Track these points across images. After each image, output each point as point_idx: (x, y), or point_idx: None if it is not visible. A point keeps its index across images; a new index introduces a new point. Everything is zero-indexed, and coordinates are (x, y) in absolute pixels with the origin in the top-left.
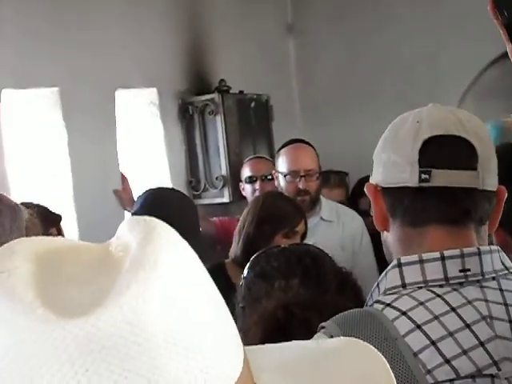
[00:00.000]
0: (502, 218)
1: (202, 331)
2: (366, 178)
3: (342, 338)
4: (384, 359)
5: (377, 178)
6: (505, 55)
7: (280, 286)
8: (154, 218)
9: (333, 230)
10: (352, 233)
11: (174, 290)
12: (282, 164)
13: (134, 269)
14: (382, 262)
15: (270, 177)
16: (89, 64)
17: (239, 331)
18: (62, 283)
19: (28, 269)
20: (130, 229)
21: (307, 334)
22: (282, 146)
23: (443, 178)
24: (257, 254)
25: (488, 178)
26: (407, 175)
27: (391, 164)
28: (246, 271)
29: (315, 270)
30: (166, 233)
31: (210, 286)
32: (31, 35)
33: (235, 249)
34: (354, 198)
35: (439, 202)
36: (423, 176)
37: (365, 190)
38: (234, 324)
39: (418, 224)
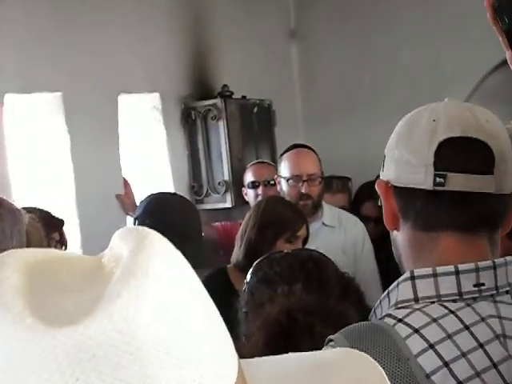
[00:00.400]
0: None
1: (195, 341)
2: (369, 184)
3: (338, 348)
4: (380, 368)
5: (389, 174)
6: (506, 61)
7: (283, 292)
8: (146, 228)
9: (335, 235)
10: (354, 238)
11: (166, 299)
12: (285, 169)
13: (125, 277)
14: (382, 266)
15: (272, 182)
16: (92, 68)
17: (242, 336)
18: (53, 293)
19: (18, 279)
20: (122, 238)
21: (310, 339)
22: (285, 151)
23: (459, 182)
24: (259, 259)
25: (504, 181)
26: (421, 177)
27: (404, 162)
28: (248, 276)
29: (318, 276)
30: (158, 241)
31: (204, 294)
32: (34, 40)
33: (237, 254)
34: (357, 204)
35: (453, 207)
36: (438, 180)
37: (376, 186)
38: (228, 334)
39: (430, 229)
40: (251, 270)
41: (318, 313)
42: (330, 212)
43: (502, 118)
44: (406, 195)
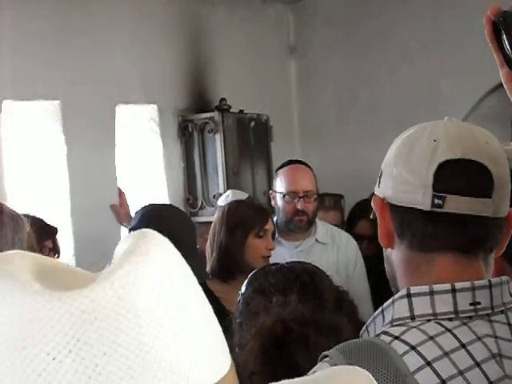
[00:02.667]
0: None
1: (188, 322)
2: (363, 202)
3: (338, 367)
4: (375, 381)
5: (386, 192)
6: (502, 84)
7: (278, 302)
8: (147, 229)
9: (327, 252)
10: (346, 256)
11: (164, 278)
12: (281, 184)
13: (126, 255)
14: (373, 285)
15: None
16: (90, 78)
17: (236, 346)
18: (59, 278)
19: (25, 263)
20: (122, 241)
21: (305, 349)
22: (281, 166)
23: (457, 204)
24: (254, 271)
25: (501, 205)
26: (419, 197)
27: (403, 181)
28: (243, 288)
29: (313, 288)
30: (159, 237)
31: (198, 288)
32: (33, 47)
33: (210, 262)
34: (351, 221)
35: (450, 229)
36: (436, 201)
37: (372, 202)
38: (221, 329)
39: (427, 249)
40: (246, 281)
41: (313, 323)
42: (324, 229)
43: (498, 140)
44: (402, 214)
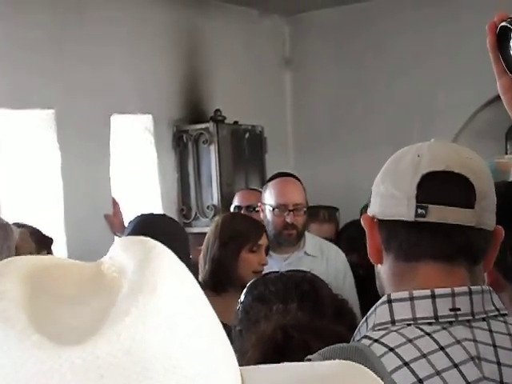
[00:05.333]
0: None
1: (201, 358)
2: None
3: (336, 360)
4: (380, 380)
5: (374, 209)
6: (498, 97)
7: (278, 310)
8: (149, 239)
9: (316, 264)
10: (335, 269)
11: (174, 316)
12: (270, 197)
13: (132, 293)
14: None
15: (257, 208)
16: (85, 87)
17: (236, 353)
18: (55, 305)
19: (19, 291)
20: (125, 249)
21: (305, 357)
22: (270, 179)
23: (439, 214)
24: (254, 279)
25: (485, 217)
26: (404, 209)
27: (389, 196)
28: (242, 296)
29: (313, 296)
30: (164, 255)
31: (207, 307)
32: (29, 56)
33: (202, 273)
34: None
35: (434, 237)
36: (419, 211)
37: (361, 221)
38: (231, 347)
39: (412, 259)
40: (245, 290)
41: (314, 331)
42: (313, 241)
43: (491, 153)
44: (389, 227)
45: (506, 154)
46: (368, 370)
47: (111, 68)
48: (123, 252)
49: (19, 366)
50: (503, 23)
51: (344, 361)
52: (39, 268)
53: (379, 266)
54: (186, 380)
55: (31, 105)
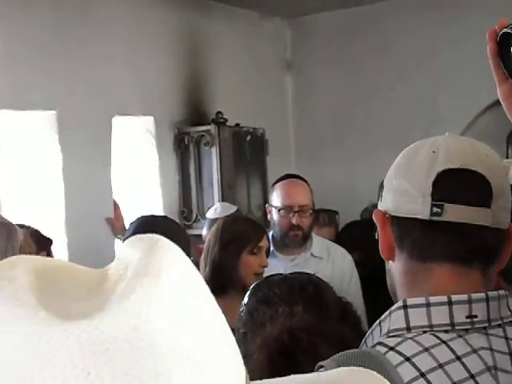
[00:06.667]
0: None
1: (206, 343)
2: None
3: (341, 368)
4: (387, 381)
5: (386, 204)
6: (498, 101)
7: (284, 312)
8: (156, 234)
9: (323, 266)
10: (341, 271)
11: (179, 299)
12: (277, 198)
13: (138, 275)
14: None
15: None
16: (87, 89)
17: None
18: (62, 296)
19: (28, 278)
20: (132, 245)
21: (311, 359)
22: (277, 181)
23: (455, 213)
24: (257, 282)
25: (501, 216)
26: (418, 207)
27: (402, 192)
28: (246, 298)
29: (318, 299)
30: (170, 245)
31: (212, 300)
32: (30, 56)
33: (203, 275)
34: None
35: (449, 238)
36: (435, 209)
37: (373, 216)
38: (235, 342)
39: (426, 259)
40: (249, 292)
41: (320, 333)
42: (319, 243)
43: None
44: (402, 225)
45: (507, 157)
46: (380, 376)
47: (113, 69)
48: (130, 248)
49: (27, 341)
50: (505, 29)
51: (351, 367)
52: (47, 266)
53: (390, 262)
54: (190, 362)
55: (33, 106)
